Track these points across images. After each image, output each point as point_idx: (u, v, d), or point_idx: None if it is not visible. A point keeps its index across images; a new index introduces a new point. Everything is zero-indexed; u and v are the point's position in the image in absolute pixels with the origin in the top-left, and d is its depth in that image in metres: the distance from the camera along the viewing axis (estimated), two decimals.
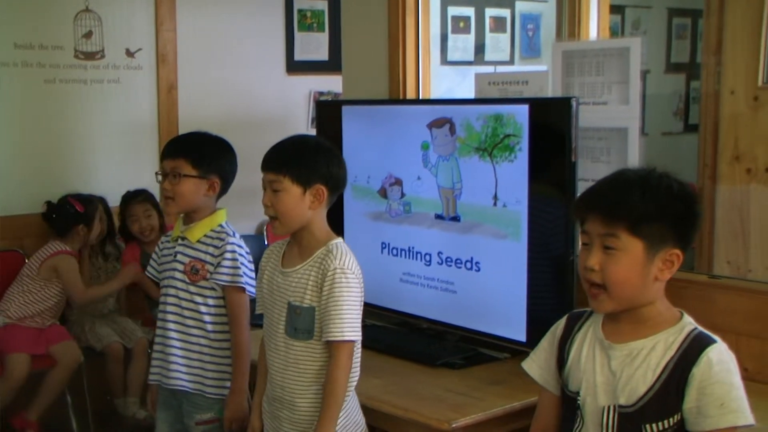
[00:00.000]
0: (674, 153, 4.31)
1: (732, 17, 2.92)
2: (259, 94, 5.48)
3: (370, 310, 3.39)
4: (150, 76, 5.07)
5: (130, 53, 4.99)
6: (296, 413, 2.48)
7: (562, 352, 2.06)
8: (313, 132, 3.63)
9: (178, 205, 2.86)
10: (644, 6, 5.00)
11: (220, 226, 2.88)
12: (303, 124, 5.64)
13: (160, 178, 2.88)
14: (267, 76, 5.52)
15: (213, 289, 2.85)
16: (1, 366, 4.20)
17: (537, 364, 2.13)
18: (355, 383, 2.50)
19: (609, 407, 1.92)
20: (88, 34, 4.84)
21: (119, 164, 4.94)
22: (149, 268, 3.05)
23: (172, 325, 2.88)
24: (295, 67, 5.64)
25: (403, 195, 3.23)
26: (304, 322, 2.45)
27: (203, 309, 2.86)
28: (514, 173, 2.84)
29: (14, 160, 4.65)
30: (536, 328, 2.72)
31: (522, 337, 2.85)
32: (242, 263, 2.85)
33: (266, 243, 5.37)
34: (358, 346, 2.47)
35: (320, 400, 2.44)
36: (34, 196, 4.61)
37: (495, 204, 2.91)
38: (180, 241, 2.89)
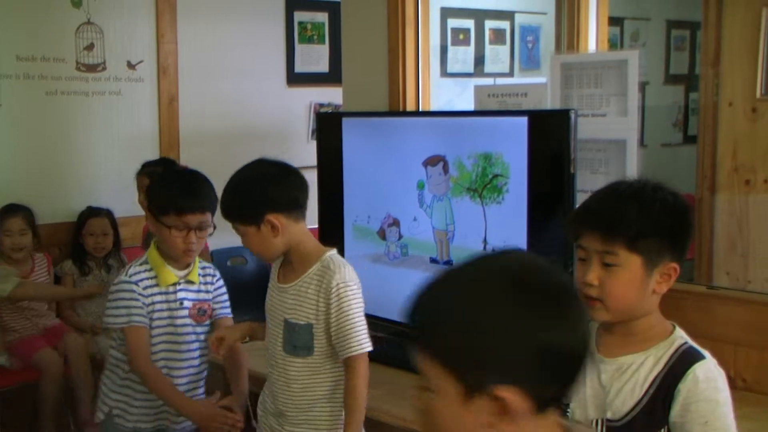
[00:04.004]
0: (673, 164, 4.31)
1: (730, 30, 2.93)
2: (259, 106, 5.50)
3: (369, 320, 3.39)
4: (151, 88, 5.09)
5: (131, 65, 5.01)
6: (298, 427, 2.49)
7: None
8: (313, 144, 3.63)
9: (196, 254, 2.86)
10: (643, 18, 5.01)
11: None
12: (303, 136, 5.67)
13: (174, 232, 2.75)
14: (267, 87, 5.54)
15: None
16: (34, 370, 4.19)
17: None
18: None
19: (597, 421, 1.93)
20: (90, 47, 4.87)
21: (120, 176, 4.95)
22: (138, 317, 2.77)
23: (196, 369, 2.89)
24: (295, 78, 5.66)
25: (400, 236, 3.26)
26: (303, 339, 2.46)
27: (206, 343, 2.89)
28: (502, 216, 2.89)
29: (15, 172, 4.67)
30: None
31: None
32: None
33: None
34: None
35: (324, 416, 2.46)
36: (36, 208, 4.61)
37: (484, 248, 2.95)
38: (179, 286, 2.84)
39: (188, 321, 2.85)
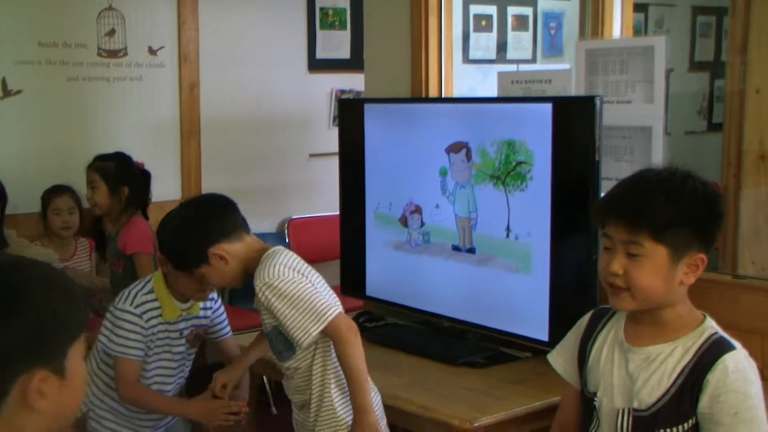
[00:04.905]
0: (698, 152, 4.27)
1: (758, 16, 2.88)
2: (280, 93, 5.49)
3: (391, 308, 3.39)
4: (172, 75, 5.09)
5: (152, 51, 5.01)
6: (320, 415, 2.50)
7: (584, 349, 2.05)
8: (334, 131, 3.61)
9: (209, 295, 2.86)
10: (668, 4, 4.97)
11: None
12: (324, 123, 5.65)
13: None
14: (288, 74, 5.53)
15: None
16: None
17: (562, 358, 2.12)
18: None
19: (624, 410, 1.91)
20: (111, 32, 4.87)
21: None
22: (135, 351, 2.74)
23: (183, 381, 2.95)
24: (316, 65, 5.64)
25: (422, 224, 3.24)
26: (280, 342, 2.47)
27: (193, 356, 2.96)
28: (526, 203, 2.86)
29: (37, 158, 4.68)
30: (559, 327, 2.71)
31: (544, 336, 2.84)
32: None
33: (287, 241, 5.38)
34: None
35: (337, 395, 2.47)
36: None
37: (507, 236, 2.92)
38: (181, 317, 2.83)
39: (184, 348, 2.87)
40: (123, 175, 3.89)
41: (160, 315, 2.77)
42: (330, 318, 2.36)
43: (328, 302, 2.40)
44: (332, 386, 2.47)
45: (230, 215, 2.56)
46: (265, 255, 2.45)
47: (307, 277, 2.44)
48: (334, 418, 2.46)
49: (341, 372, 2.46)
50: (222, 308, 2.95)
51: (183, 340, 2.85)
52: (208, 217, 2.55)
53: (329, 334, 2.39)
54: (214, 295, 2.92)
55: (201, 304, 2.86)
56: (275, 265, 2.41)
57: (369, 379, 2.48)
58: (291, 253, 2.50)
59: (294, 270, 2.42)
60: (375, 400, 2.52)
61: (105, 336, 2.78)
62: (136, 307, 2.75)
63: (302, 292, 2.38)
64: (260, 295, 2.39)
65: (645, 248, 1.83)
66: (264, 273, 2.39)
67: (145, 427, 2.88)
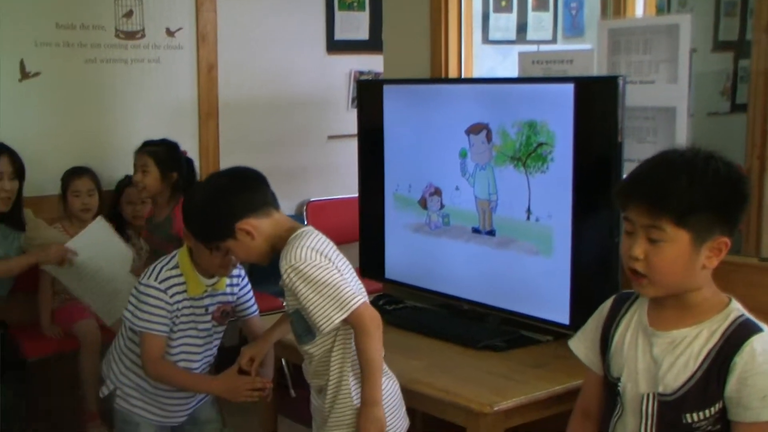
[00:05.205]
0: (721, 134, 4.22)
1: None
2: (299, 74, 5.46)
3: (410, 291, 3.37)
4: (190, 56, 5.07)
5: (170, 33, 4.98)
6: (337, 403, 2.48)
7: (606, 335, 2.03)
8: (353, 112, 3.58)
9: (233, 269, 2.83)
10: None
11: None
12: (343, 104, 5.62)
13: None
14: (307, 55, 5.50)
15: None
16: (74, 340, 4.19)
17: (583, 344, 2.10)
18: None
19: (649, 395, 1.89)
20: (129, 14, 4.85)
21: None
22: (160, 326, 2.73)
23: (210, 359, 2.93)
24: (335, 46, 5.61)
25: (442, 206, 3.21)
26: (300, 326, 2.45)
27: (221, 334, 2.95)
28: (547, 185, 2.83)
29: (55, 140, 4.67)
30: (580, 310, 2.69)
31: (565, 319, 2.81)
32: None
33: (305, 223, 5.36)
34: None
35: (354, 385, 2.44)
36: None
37: (528, 218, 2.89)
38: (206, 293, 2.81)
39: (210, 324, 2.85)
40: (172, 160, 3.96)
41: (185, 291, 2.76)
42: (354, 307, 2.33)
43: (353, 290, 2.37)
44: (350, 375, 2.44)
45: (260, 190, 2.52)
46: (293, 235, 2.42)
47: (333, 262, 2.40)
48: (349, 407, 2.44)
49: None
50: (249, 286, 2.93)
51: (209, 317, 2.83)
52: (236, 190, 2.49)
53: (351, 323, 2.36)
54: (241, 272, 2.90)
55: (227, 281, 2.84)
56: (302, 247, 2.37)
57: (386, 367, 2.46)
58: (319, 234, 2.45)
59: (321, 254, 2.38)
60: (393, 387, 2.50)
61: (129, 312, 2.77)
62: (161, 282, 2.74)
63: (328, 277, 2.34)
64: (285, 276, 2.36)
65: (667, 233, 1.80)
66: (290, 255, 2.36)
67: (171, 405, 2.88)
